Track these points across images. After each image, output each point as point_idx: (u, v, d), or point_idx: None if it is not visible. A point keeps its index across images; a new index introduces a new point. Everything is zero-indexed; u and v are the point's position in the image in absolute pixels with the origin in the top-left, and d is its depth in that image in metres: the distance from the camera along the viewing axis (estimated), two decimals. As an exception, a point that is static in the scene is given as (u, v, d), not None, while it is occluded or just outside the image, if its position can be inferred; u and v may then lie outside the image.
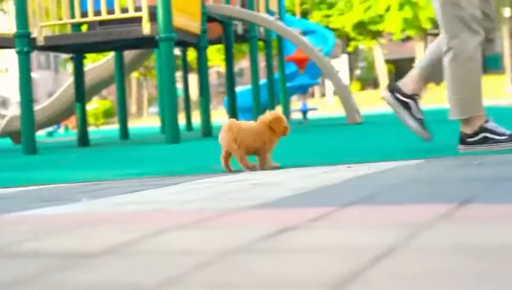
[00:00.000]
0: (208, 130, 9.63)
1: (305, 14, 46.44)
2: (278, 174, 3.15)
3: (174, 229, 1.67)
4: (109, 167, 4.63)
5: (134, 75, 49.58)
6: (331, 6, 47.75)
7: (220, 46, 22.70)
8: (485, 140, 3.90)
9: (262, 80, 15.18)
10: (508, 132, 3.89)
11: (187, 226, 1.72)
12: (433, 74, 4.25)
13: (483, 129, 3.90)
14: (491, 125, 3.91)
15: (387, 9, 42.84)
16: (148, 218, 1.95)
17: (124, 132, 12.02)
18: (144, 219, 1.94)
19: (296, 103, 26.81)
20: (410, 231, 1.45)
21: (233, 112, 11.08)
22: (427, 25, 43.69)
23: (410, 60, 55.20)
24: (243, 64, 54.42)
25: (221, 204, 2.12)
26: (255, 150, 3.56)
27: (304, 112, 13.24)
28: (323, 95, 47.86)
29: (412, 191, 2.18)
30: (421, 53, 45.94)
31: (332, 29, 46.68)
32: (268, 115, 3.58)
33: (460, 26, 3.89)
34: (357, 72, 61.67)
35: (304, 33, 12.70)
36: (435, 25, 48.78)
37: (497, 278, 1.01)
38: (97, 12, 8.50)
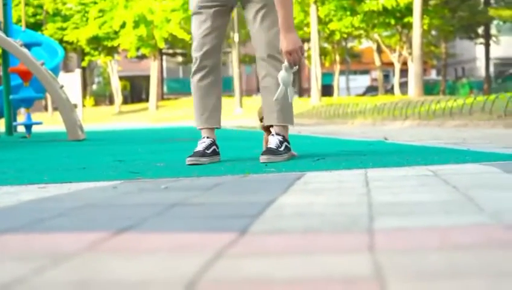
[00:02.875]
0: None
1: (39, 26, 45.12)
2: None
3: None
4: None
5: None
6: (66, 19, 46.82)
7: None
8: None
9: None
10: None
11: None
12: None
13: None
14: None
15: (123, 26, 42.86)
16: None
17: None
18: None
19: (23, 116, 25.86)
20: (44, 263, 1.37)
21: None
22: (162, 44, 44.30)
23: (146, 78, 55.71)
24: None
25: None
26: None
27: (28, 125, 12.76)
28: (56, 109, 46.70)
29: (79, 217, 2.10)
30: (156, 71, 46.50)
31: (67, 43, 45.82)
32: None
33: None
34: (93, 87, 61.04)
35: (29, 45, 12.26)
36: (170, 44, 49.73)
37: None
38: None
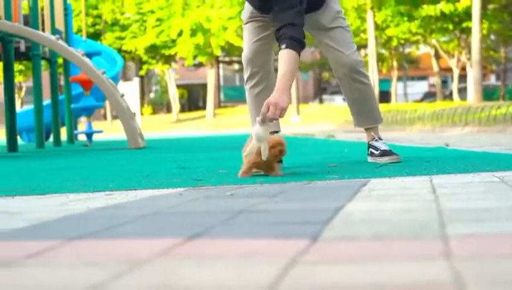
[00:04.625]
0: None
1: (98, 35, 45.83)
2: (22, 202, 2.99)
3: None
4: None
5: None
6: (124, 28, 47.46)
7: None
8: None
9: (47, 100, 14.75)
10: (383, 146, 4.62)
11: None
12: None
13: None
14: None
15: (180, 35, 43.24)
16: None
17: None
18: None
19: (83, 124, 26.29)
20: (121, 269, 1.39)
21: (12, 132, 10.61)
22: (218, 52, 44.55)
23: (203, 86, 56.10)
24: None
25: None
26: None
27: (89, 134, 12.98)
28: (115, 117, 47.31)
29: (149, 224, 2.13)
30: (213, 79, 46.77)
31: (125, 52, 46.43)
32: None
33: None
34: (151, 95, 61.69)
35: (90, 54, 12.47)
36: (226, 52, 49.97)
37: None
38: None
